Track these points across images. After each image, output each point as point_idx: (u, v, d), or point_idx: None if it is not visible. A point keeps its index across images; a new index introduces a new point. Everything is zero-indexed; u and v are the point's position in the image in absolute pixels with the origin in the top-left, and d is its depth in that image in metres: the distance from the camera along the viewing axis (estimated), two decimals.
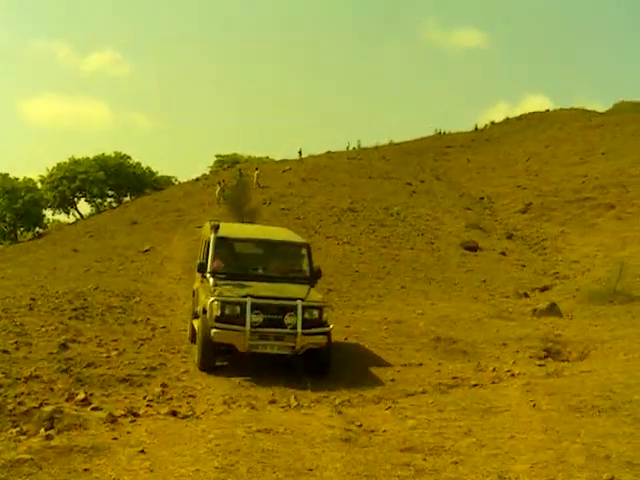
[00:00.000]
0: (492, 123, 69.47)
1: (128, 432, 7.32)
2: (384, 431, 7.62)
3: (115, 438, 6.98)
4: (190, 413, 8.43)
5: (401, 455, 6.65)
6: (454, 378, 11.01)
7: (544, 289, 26.25)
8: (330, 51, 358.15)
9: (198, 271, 12.14)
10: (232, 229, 13.48)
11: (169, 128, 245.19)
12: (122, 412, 8.10)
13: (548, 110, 69.99)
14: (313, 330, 11.02)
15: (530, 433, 7.20)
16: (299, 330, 10.80)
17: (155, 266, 23.13)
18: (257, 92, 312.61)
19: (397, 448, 6.89)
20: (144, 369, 10.47)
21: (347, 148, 57.95)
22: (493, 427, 7.62)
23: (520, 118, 68.88)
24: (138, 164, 64.75)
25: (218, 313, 10.77)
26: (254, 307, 10.74)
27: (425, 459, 6.49)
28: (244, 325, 10.67)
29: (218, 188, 38.38)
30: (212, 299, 10.85)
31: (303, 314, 10.89)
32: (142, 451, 6.56)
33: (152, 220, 34.18)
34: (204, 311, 11.11)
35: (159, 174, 67.32)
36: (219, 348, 11.00)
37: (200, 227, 31.43)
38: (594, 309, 19.30)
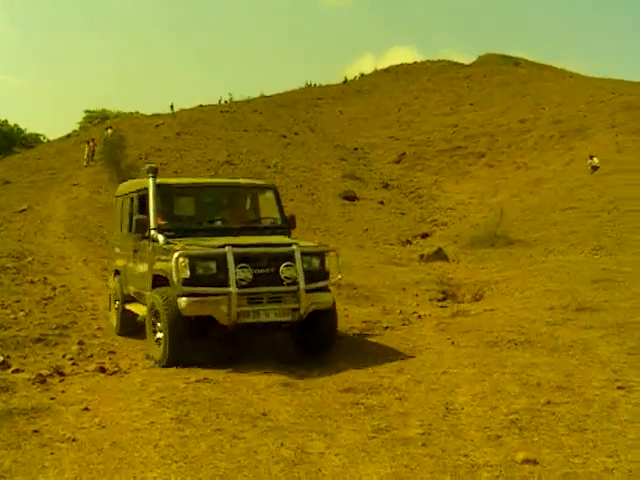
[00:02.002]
0: (361, 75, 70.15)
1: (62, 391, 7.13)
2: (318, 375, 7.79)
3: (53, 398, 6.78)
4: (116, 369, 8.32)
5: (344, 395, 6.82)
6: (365, 322, 11.28)
7: (425, 236, 27.30)
8: (201, 6, 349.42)
9: (137, 231, 9.10)
10: (169, 179, 10.61)
11: (34, 84, 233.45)
12: (48, 372, 7.87)
13: (416, 62, 71.28)
14: (319, 284, 8.43)
15: (459, 368, 7.54)
16: (302, 285, 8.06)
17: (36, 226, 22.30)
18: (124, 47, 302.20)
19: (337, 390, 7.05)
20: (56, 328, 10.19)
21: (219, 102, 57.35)
22: (422, 364, 7.93)
23: (388, 70, 69.85)
24: (5, 121, 61.58)
25: (187, 274, 7.79)
26: (238, 259, 7.90)
27: (368, 398, 6.69)
28: (227, 286, 7.80)
29: (87, 148, 35.81)
30: (176, 254, 7.78)
31: (302, 263, 8.21)
32: (86, 408, 6.40)
33: (26, 179, 32.76)
34: (156, 282, 8.51)
35: (27, 131, 64.35)
36: (193, 326, 8.07)
37: (77, 185, 30.64)
38: (477, 253, 20.22)
